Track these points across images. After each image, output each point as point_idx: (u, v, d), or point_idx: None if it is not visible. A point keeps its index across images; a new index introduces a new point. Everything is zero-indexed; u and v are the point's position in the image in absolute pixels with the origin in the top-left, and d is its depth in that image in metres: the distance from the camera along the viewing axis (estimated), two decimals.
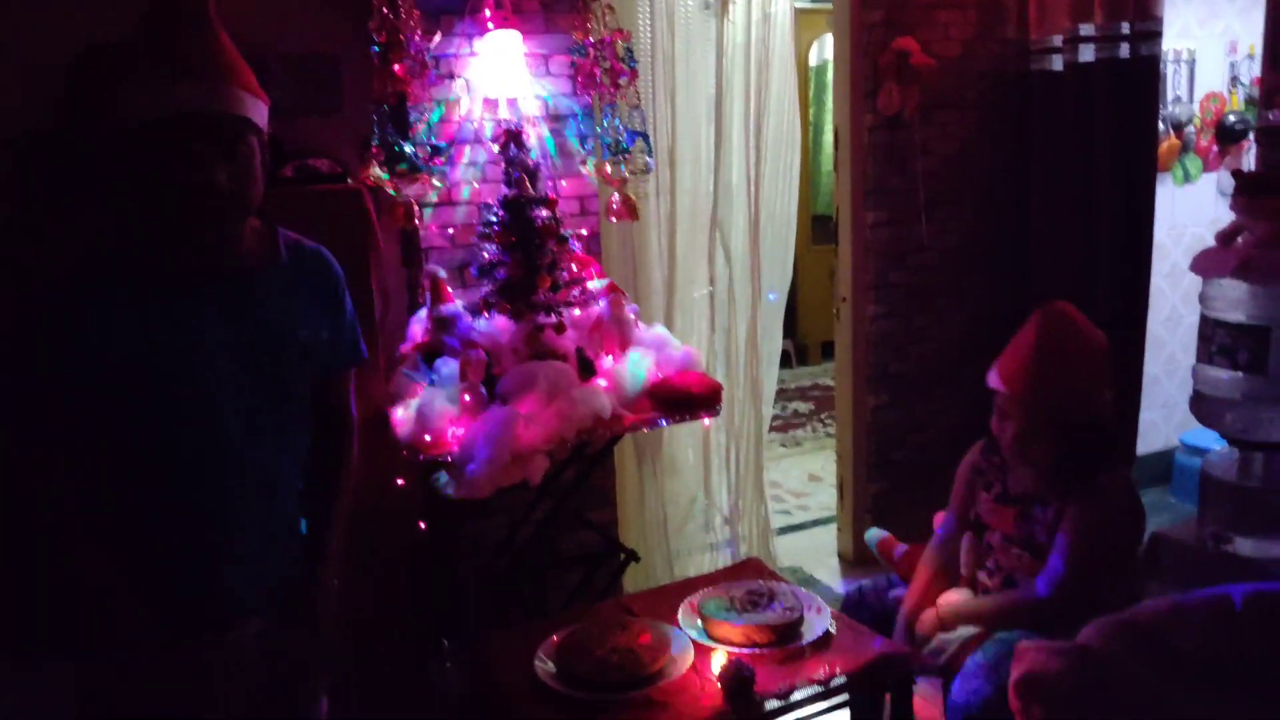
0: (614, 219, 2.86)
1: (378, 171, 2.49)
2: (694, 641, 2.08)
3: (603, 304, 2.60)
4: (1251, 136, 4.25)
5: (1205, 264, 2.63)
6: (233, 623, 1.52)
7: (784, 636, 2.06)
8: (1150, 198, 3.47)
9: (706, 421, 2.55)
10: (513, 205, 2.52)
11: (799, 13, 5.18)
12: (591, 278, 2.68)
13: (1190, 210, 4.32)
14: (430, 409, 2.28)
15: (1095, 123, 3.40)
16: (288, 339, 1.56)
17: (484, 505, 2.47)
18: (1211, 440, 4.03)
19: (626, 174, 2.80)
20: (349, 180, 2.48)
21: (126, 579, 1.41)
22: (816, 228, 6.77)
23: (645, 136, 2.83)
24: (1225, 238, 2.62)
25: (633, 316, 2.67)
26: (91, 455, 1.41)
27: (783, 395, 6.32)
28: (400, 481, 2.42)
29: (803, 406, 6.19)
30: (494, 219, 2.54)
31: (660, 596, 2.39)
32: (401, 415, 2.36)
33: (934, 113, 3.55)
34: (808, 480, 4.87)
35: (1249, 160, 4.34)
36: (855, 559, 3.78)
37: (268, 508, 1.56)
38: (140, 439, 1.42)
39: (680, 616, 2.19)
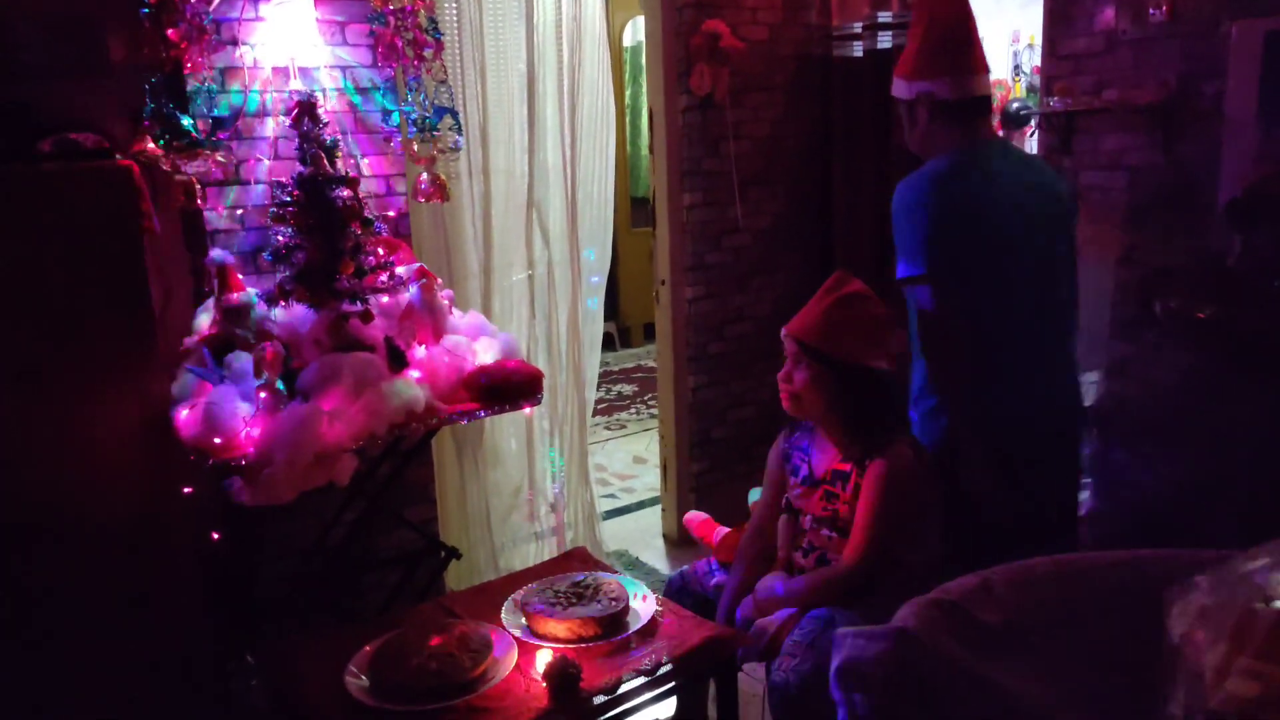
0: (423, 199, 2.71)
1: (151, 147, 2.25)
2: (518, 640, 2.00)
3: (413, 290, 2.46)
4: (1034, 122, 4.56)
5: None
6: None
7: (610, 628, 2.02)
8: None
9: (528, 410, 2.46)
10: (309, 184, 2.33)
11: None
12: (400, 262, 2.53)
13: None
14: (220, 408, 2.08)
15: (893, 108, 3.53)
16: None
17: (289, 508, 2.29)
18: None
19: (434, 152, 2.67)
20: (117, 156, 2.22)
21: None
22: (636, 210, 6.80)
23: (454, 113, 2.70)
24: None
25: (446, 302, 2.54)
26: None
27: (606, 378, 6.33)
28: (188, 490, 2.20)
29: (627, 389, 6.21)
30: (288, 199, 2.34)
31: (483, 594, 2.30)
32: (186, 416, 2.14)
33: (744, 95, 3.59)
34: (633, 462, 4.88)
35: (1031, 145, 4.66)
36: (680, 540, 3.80)
37: None
38: None
39: (504, 615, 2.11)
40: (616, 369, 6.65)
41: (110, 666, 2.13)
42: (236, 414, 2.09)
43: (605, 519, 3.92)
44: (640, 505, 4.27)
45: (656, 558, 3.73)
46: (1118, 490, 2.78)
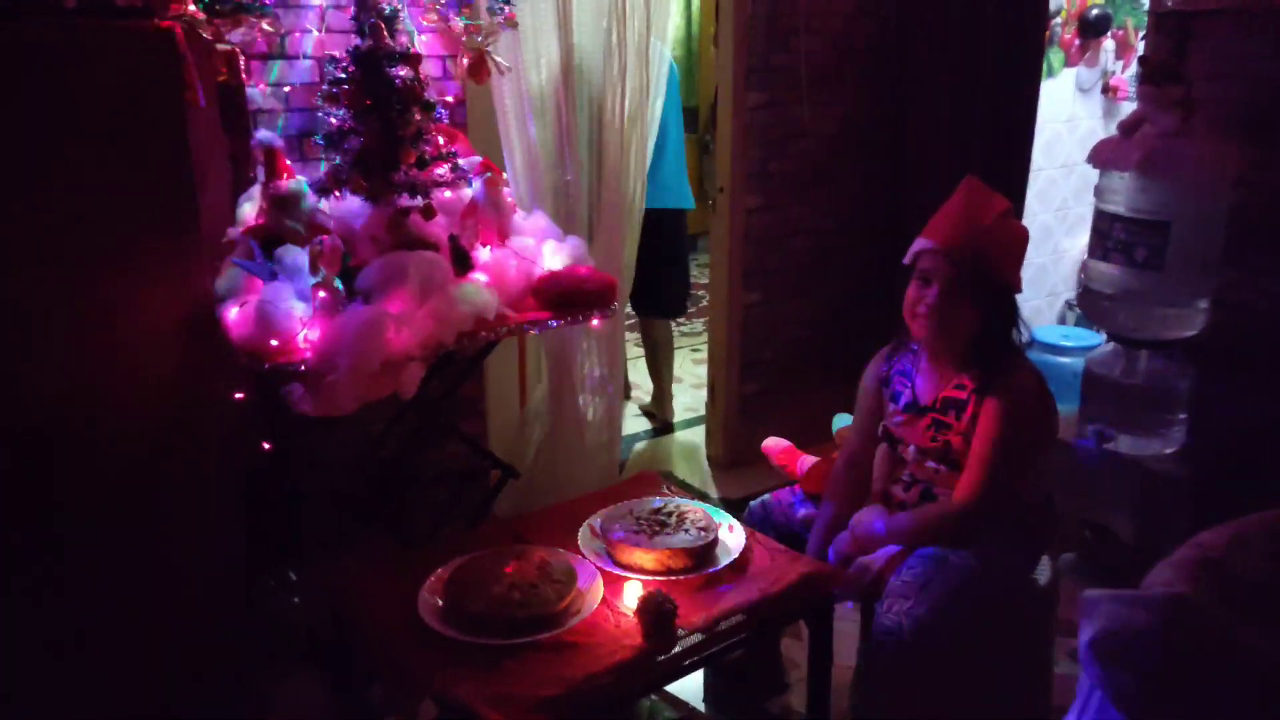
0: (467, 79, 2.44)
1: (192, 9, 1.99)
2: (600, 570, 1.84)
3: (477, 185, 2.23)
4: (1111, 32, 4.26)
5: (1106, 156, 2.53)
6: None
7: (700, 561, 1.86)
8: (1035, 89, 3.37)
9: (595, 322, 2.25)
10: (367, 60, 2.08)
11: None
12: (461, 154, 2.29)
13: (1049, 105, 4.30)
14: (275, 308, 1.87)
15: (986, 3, 3.24)
16: None
17: (338, 419, 2.11)
18: (1059, 336, 4.12)
19: (481, 23, 2.39)
20: (154, 17, 1.95)
21: None
22: None
23: None
24: (1127, 129, 2.54)
25: (510, 201, 2.31)
26: None
27: None
28: (239, 396, 2.01)
29: None
30: (343, 76, 2.09)
31: (552, 518, 2.12)
32: (236, 315, 1.93)
33: None
34: None
35: (1105, 59, 4.37)
36: (727, 463, 3.64)
37: None
38: None
39: (581, 542, 1.94)
40: None
41: (137, 582, 1.96)
42: (292, 314, 1.88)
43: (647, 439, 3.76)
44: (680, 426, 4.10)
45: (704, 481, 3.57)
46: (1219, 423, 2.61)
